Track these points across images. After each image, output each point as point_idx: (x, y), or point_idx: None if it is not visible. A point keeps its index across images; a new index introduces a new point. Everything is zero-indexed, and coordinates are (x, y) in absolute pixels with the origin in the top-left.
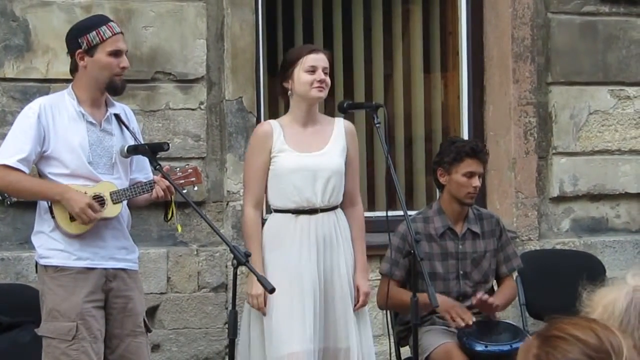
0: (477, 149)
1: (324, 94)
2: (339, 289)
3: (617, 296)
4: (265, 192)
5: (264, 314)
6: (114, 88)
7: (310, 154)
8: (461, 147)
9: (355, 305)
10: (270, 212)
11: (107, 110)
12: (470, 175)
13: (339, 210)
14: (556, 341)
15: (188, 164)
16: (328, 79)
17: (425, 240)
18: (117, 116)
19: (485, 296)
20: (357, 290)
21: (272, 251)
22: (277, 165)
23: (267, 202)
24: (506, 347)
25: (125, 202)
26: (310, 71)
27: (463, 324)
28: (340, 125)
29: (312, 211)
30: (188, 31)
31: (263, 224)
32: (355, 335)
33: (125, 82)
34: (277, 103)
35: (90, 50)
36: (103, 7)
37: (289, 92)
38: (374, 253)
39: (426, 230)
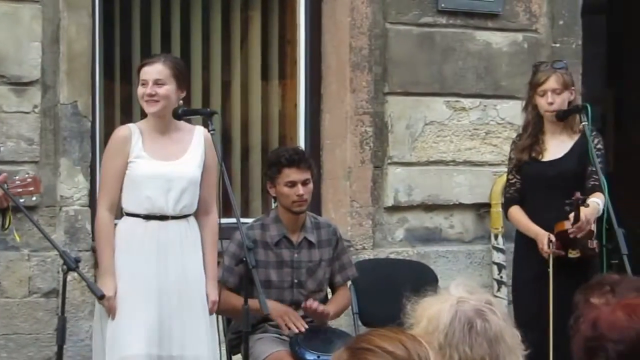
0: (293, 158)
1: (155, 107)
2: (187, 296)
3: (441, 309)
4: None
5: (113, 318)
6: None
7: (167, 162)
8: (278, 158)
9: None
10: (123, 215)
11: None
12: (291, 184)
13: (191, 218)
14: (364, 353)
15: (28, 173)
16: (161, 90)
17: (261, 248)
18: None
19: (315, 304)
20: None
21: (121, 254)
22: (133, 171)
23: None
24: None
25: None
26: (142, 84)
27: (296, 330)
28: (199, 134)
29: (163, 217)
30: (23, 33)
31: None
32: (206, 342)
33: None
34: (113, 107)
35: None
36: None
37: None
38: None
39: (263, 238)
